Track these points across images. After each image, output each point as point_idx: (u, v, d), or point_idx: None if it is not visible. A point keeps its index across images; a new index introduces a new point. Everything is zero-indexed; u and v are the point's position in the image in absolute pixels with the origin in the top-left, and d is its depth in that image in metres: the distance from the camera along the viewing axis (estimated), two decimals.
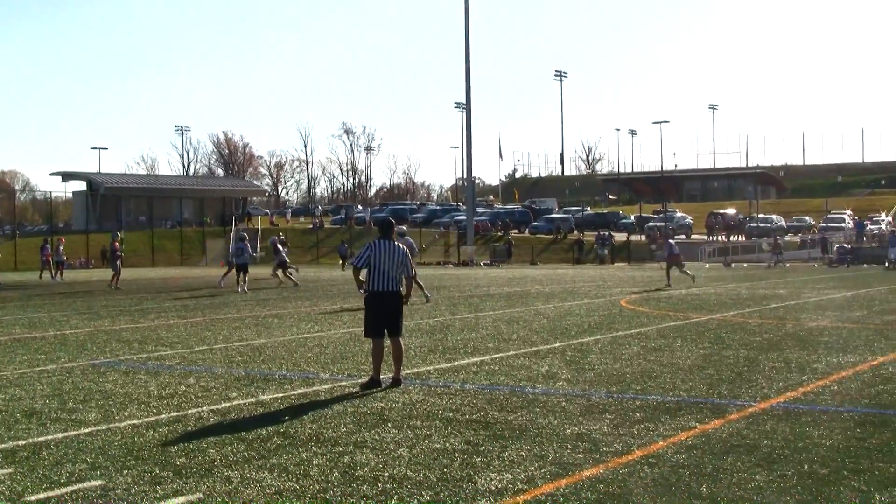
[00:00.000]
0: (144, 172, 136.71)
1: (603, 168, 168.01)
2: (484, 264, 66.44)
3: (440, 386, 11.91)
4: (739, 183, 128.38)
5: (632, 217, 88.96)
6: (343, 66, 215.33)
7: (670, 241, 38.54)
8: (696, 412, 10.07)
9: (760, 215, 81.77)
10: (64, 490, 7.16)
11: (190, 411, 10.35)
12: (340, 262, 59.73)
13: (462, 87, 75.89)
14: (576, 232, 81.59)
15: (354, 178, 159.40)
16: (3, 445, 8.72)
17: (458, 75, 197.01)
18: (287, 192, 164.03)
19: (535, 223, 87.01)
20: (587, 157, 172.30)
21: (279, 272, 37.31)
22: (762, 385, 11.75)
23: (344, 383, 12.23)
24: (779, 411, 10.10)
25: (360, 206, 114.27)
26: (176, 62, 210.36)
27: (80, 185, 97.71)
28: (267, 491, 7.08)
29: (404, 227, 32.30)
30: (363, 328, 12.38)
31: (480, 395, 11.22)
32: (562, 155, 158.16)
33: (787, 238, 69.40)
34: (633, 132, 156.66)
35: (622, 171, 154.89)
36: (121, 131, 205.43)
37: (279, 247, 37.78)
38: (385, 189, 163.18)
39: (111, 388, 12.01)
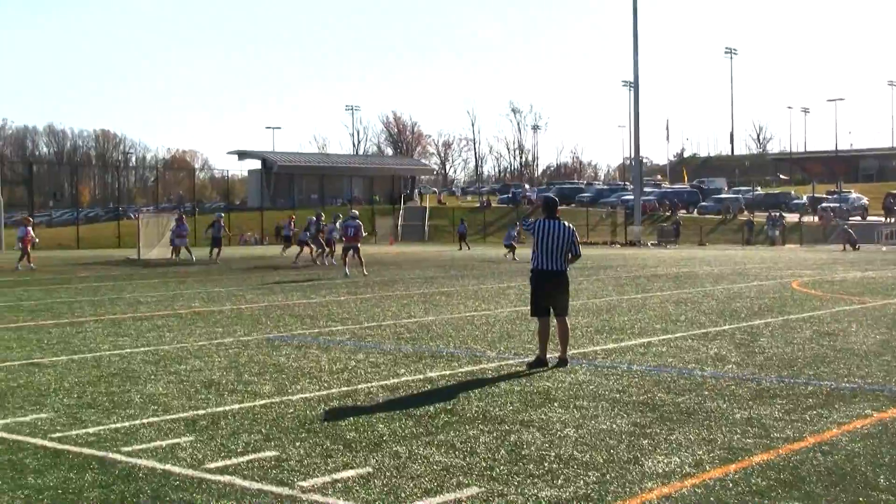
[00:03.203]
0: (316, 151, 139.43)
1: (774, 147, 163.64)
2: (651, 244, 65.66)
3: (607, 366, 11.85)
4: None
5: (804, 197, 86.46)
6: (510, 44, 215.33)
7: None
8: (873, 400, 9.75)
9: None
10: (240, 459, 7.41)
11: (360, 386, 10.57)
12: (461, 243, 59.33)
13: (630, 65, 74.97)
14: (745, 212, 79.85)
15: (521, 157, 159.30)
16: (185, 414, 9.09)
17: (626, 53, 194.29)
18: (455, 171, 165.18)
19: (704, 203, 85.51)
20: (757, 135, 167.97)
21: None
22: None
23: (511, 362, 12.29)
24: None
25: (526, 185, 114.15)
26: (347, 43, 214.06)
27: (255, 164, 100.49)
28: (434, 467, 7.18)
29: (356, 212, 32.28)
30: (529, 307, 12.40)
31: (647, 376, 11.12)
32: (731, 134, 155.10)
33: None
34: (805, 110, 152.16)
35: (794, 150, 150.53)
36: (294, 111, 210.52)
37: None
38: (552, 168, 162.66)
39: (284, 361, 12.36)
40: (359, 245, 30.18)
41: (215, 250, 40.89)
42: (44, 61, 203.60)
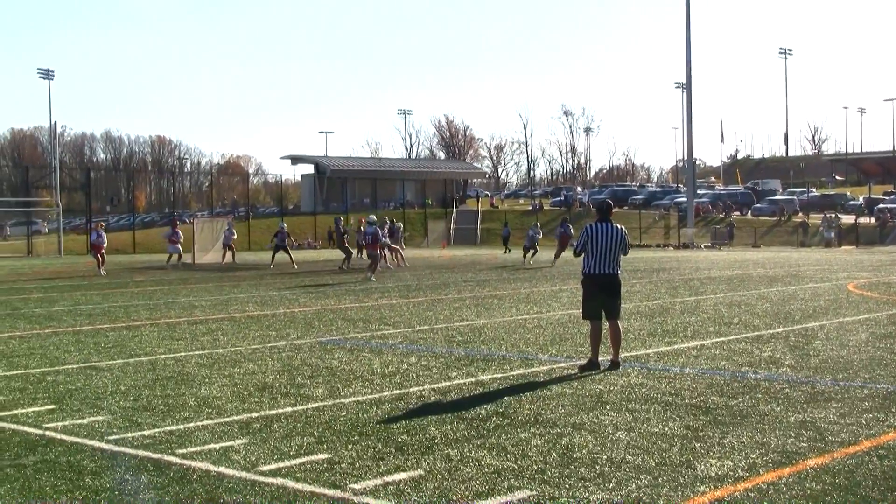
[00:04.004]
0: (368, 155, 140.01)
1: (829, 148, 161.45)
2: (704, 246, 65.18)
3: (659, 369, 11.79)
4: None
5: (860, 198, 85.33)
6: (562, 47, 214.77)
7: None
8: None
9: None
10: (293, 462, 7.47)
11: (412, 389, 10.60)
12: (505, 246, 58.82)
13: (682, 66, 74.40)
14: (800, 214, 78.96)
15: (573, 160, 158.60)
16: (238, 417, 9.17)
17: (679, 54, 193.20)
18: (507, 174, 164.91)
19: (758, 205, 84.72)
20: (813, 136, 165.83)
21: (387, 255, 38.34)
22: None
23: (562, 365, 12.27)
24: None
25: (579, 188, 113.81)
26: (399, 48, 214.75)
27: (308, 168, 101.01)
28: (486, 470, 7.18)
29: (374, 217, 32.13)
30: (582, 310, 12.37)
31: (700, 379, 11.05)
32: (786, 135, 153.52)
33: None
34: (862, 110, 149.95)
35: (850, 150, 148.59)
36: (346, 116, 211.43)
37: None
38: (604, 171, 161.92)
39: (337, 364, 12.43)
40: (376, 252, 30.06)
41: (278, 256, 41.12)
42: (101, 69, 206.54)
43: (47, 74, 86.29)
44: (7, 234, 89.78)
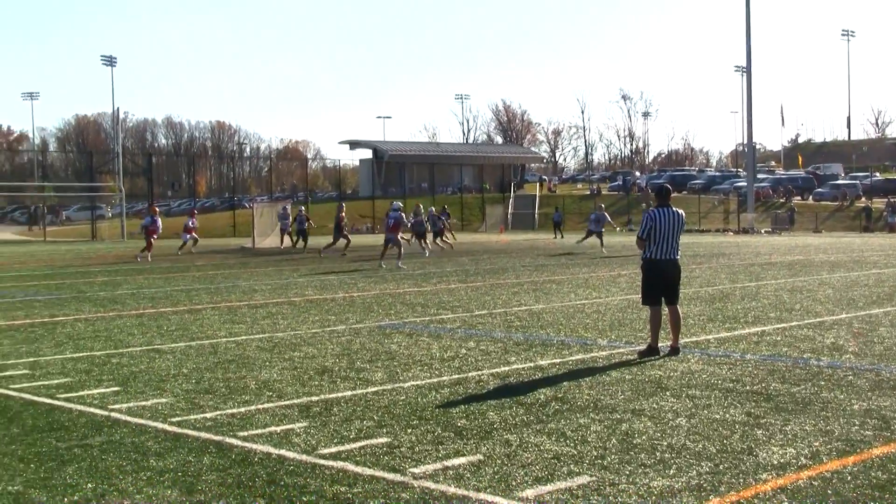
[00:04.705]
0: (426, 140, 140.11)
1: (893, 132, 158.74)
2: (765, 232, 64.47)
3: (720, 355, 11.70)
4: None
5: None
6: (620, 31, 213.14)
7: None
8: None
9: None
10: (353, 445, 7.51)
11: (470, 374, 10.61)
12: (556, 231, 58.54)
13: (742, 49, 73.51)
14: (863, 199, 77.75)
15: (632, 144, 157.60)
16: (299, 400, 9.24)
17: (739, 37, 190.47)
18: (564, 159, 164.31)
19: (820, 189, 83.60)
20: (876, 119, 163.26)
21: (437, 240, 38.11)
22: None
23: (621, 350, 12.21)
24: None
25: (637, 173, 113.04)
26: (456, 33, 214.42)
27: (366, 153, 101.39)
28: (545, 455, 7.18)
29: (399, 203, 31.72)
30: (641, 295, 12.31)
31: (762, 365, 10.95)
32: (848, 118, 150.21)
33: None
34: None
35: None
36: (404, 100, 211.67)
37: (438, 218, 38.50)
38: (663, 155, 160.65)
39: (396, 349, 12.48)
40: (398, 236, 29.69)
41: (300, 242, 41.17)
42: (162, 56, 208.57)
43: (110, 61, 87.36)
44: (64, 219, 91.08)
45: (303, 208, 43.78)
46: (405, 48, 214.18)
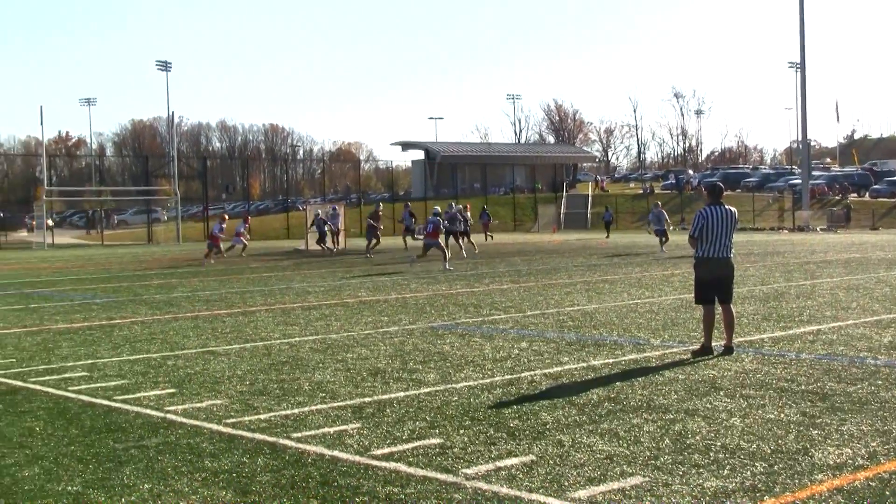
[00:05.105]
0: (478, 141, 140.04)
1: None
2: (820, 229, 63.73)
3: (774, 355, 11.59)
4: None
5: None
6: (672, 28, 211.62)
7: None
8: None
9: None
10: (406, 446, 7.54)
11: (523, 374, 10.61)
12: (606, 230, 58.27)
13: (796, 45, 72.70)
14: None
15: (685, 143, 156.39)
16: (352, 402, 9.29)
17: (792, 33, 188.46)
18: (617, 158, 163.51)
19: (876, 186, 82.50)
20: None
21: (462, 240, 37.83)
22: None
23: (675, 350, 12.14)
24: None
25: (690, 171, 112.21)
26: (507, 32, 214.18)
27: (419, 154, 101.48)
28: (598, 456, 7.16)
29: (438, 208, 31.57)
30: (694, 294, 12.22)
31: (817, 365, 10.83)
32: None
33: None
34: None
35: None
36: (456, 101, 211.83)
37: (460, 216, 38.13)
38: (716, 153, 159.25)
39: (448, 350, 12.50)
40: (439, 241, 29.68)
41: (328, 243, 41.13)
42: (216, 60, 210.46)
43: (165, 66, 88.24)
44: (116, 223, 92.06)
45: (319, 211, 43.76)
46: (457, 49, 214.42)
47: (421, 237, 31.32)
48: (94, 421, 8.69)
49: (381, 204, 43.98)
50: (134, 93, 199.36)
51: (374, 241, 38.37)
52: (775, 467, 6.77)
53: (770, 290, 20.09)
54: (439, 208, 32.11)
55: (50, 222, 68.84)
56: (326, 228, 42.53)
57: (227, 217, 40.23)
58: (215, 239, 36.07)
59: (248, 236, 41.59)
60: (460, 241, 36.48)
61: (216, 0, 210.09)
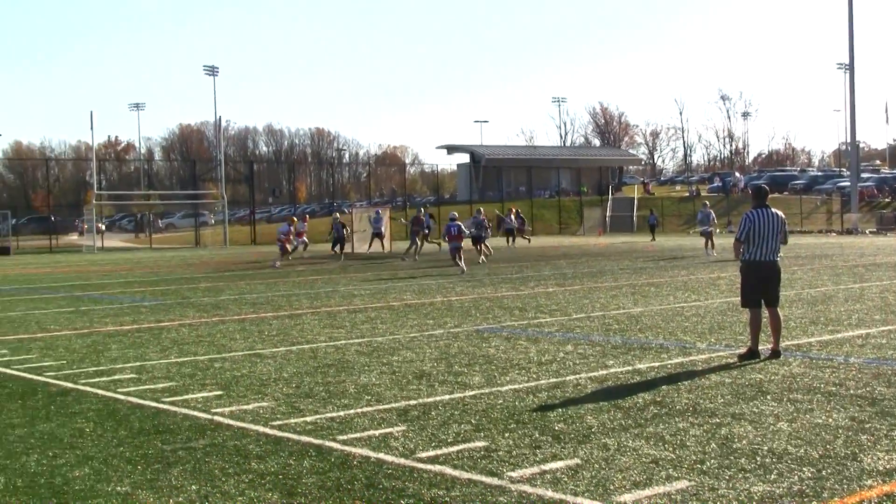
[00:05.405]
0: (523, 144, 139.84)
1: None
2: (870, 232, 63.04)
3: (822, 358, 11.49)
4: None
5: None
6: (718, 30, 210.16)
7: None
8: None
9: None
10: (451, 449, 7.54)
11: (568, 378, 10.58)
12: (651, 233, 57.95)
13: (844, 46, 71.97)
14: None
15: (731, 145, 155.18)
16: (397, 404, 9.32)
17: (841, 34, 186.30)
18: (663, 161, 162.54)
19: None
20: None
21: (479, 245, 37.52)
22: None
23: (721, 353, 12.06)
24: None
25: (737, 173, 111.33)
26: (553, 35, 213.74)
27: (464, 158, 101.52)
28: (643, 460, 7.13)
29: (456, 213, 31.37)
30: (740, 297, 12.14)
31: (866, 369, 10.72)
32: None
33: None
34: None
35: None
36: (501, 104, 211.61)
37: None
38: (763, 155, 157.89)
39: (493, 353, 12.49)
40: (461, 245, 29.64)
41: (337, 248, 40.77)
42: (262, 64, 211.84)
43: (212, 71, 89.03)
44: (162, 227, 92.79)
45: (337, 215, 43.74)
46: (502, 52, 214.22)
47: (442, 241, 31.22)
48: (143, 422, 8.78)
49: (423, 209, 43.81)
50: (182, 97, 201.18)
51: (417, 244, 38.40)
52: (823, 472, 6.70)
53: (818, 293, 19.90)
54: (455, 213, 32.14)
55: (102, 226, 69.59)
56: (346, 233, 42.40)
57: (294, 220, 39.78)
58: (287, 239, 35.99)
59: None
60: (480, 246, 36.49)
61: (263, 5, 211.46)
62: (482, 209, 38.34)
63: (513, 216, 51.15)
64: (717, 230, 38.63)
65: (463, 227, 30.63)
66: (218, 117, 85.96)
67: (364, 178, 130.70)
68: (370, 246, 43.60)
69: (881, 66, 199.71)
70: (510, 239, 49.41)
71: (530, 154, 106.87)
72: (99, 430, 8.55)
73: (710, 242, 36.04)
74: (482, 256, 35.42)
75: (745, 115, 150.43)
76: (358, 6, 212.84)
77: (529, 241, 49.45)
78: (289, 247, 36.61)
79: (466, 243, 31.61)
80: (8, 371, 11.96)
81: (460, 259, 28.70)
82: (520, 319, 16.21)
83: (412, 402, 9.38)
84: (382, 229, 43.70)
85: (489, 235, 37.53)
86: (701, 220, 37.48)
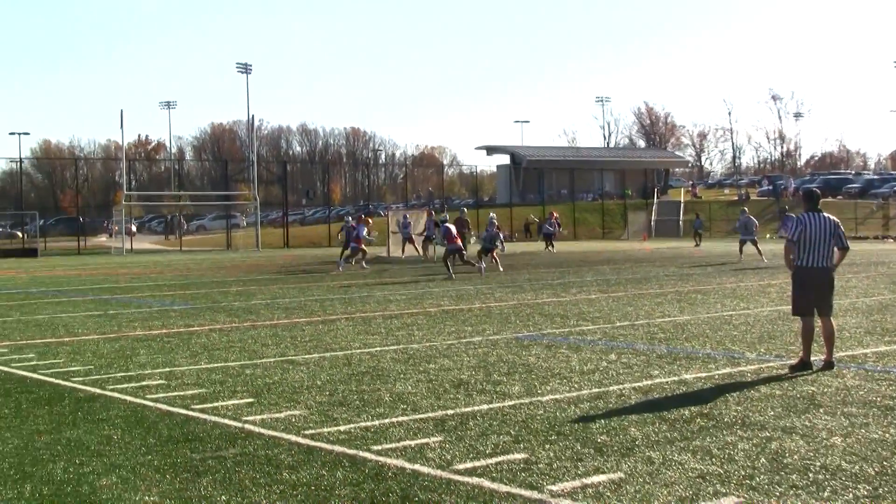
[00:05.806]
0: (565, 145, 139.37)
1: None
2: None
3: (878, 371, 11.14)
4: None
5: None
6: (769, 28, 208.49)
7: None
8: None
9: None
10: (489, 461, 7.32)
11: (611, 388, 10.32)
12: (695, 238, 57.12)
13: None
14: None
15: (782, 147, 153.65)
16: (434, 414, 9.09)
17: None
18: (710, 163, 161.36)
19: None
20: None
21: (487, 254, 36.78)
22: None
23: (771, 364, 11.75)
24: None
25: (788, 177, 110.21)
26: (596, 34, 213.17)
27: (504, 159, 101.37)
28: (689, 474, 6.89)
29: (446, 215, 30.95)
30: (792, 306, 11.81)
31: None
32: None
33: None
34: None
35: None
36: (542, 104, 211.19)
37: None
38: (816, 158, 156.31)
39: (534, 361, 12.25)
40: (458, 247, 29.45)
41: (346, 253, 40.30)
42: (296, 62, 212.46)
43: (245, 69, 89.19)
44: (190, 229, 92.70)
45: (349, 218, 43.32)
46: (543, 51, 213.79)
47: (445, 244, 30.86)
48: (172, 430, 8.61)
49: (464, 210, 43.41)
50: (214, 96, 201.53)
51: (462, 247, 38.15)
52: (880, 490, 6.44)
53: (874, 302, 19.46)
54: (446, 216, 31.84)
55: (133, 228, 69.75)
56: (364, 236, 41.88)
57: (362, 218, 38.64)
58: (359, 241, 35.41)
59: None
60: (490, 256, 36.13)
61: (296, 2, 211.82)
62: (496, 219, 37.02)
63: (554, 220, 50.87)
64: (764, 235, 38.11)
65: (476, 234, 30.40)
66: (251, 116, 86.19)
67: (401, 180, 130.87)
68: (403, 250, 43.36)
69: None
70: (549, 244, 49.05)
71: (573, 155, 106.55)
72: (127, 437, 8.40)
73: (756, 249, 35.70)
74: (486, 265, 35.21)
75: (797, 115, 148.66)
76: (396, 2, 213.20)
77: (553, 248, 48.60)
78: (364, 246, 36.09)
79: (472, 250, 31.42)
80: (34, 376, 11.84)
81: (478, 260, 28.66)
82: (561, 327, 15.95)
83: (449, 412, 9.16)
84: (412, 233, 43.25)
85: (504, 249, 36.74)
86: (740, 227, 36.99)
